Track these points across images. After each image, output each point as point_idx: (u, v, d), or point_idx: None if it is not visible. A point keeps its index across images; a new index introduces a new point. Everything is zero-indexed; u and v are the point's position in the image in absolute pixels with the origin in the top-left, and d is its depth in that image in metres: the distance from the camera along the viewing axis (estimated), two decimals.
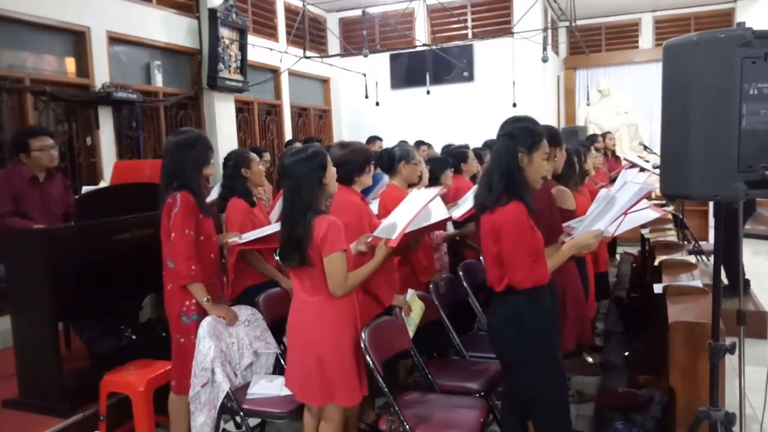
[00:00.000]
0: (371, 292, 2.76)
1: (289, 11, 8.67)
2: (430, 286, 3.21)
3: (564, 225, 2.75)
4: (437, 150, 5.91)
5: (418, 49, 9.10)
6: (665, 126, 1.94)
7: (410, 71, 9.51)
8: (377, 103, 8.66)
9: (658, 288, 3.17)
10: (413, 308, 2.92)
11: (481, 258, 3.29)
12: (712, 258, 3.22)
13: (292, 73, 8.55)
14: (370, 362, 2.38)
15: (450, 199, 3.82)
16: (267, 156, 5.88)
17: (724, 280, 4.46)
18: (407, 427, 2.37)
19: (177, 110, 6.62)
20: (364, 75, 8.81)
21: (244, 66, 7.13)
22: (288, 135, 8.56)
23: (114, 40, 5.70)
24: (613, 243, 6.52)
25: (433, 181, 3.74)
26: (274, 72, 8.21)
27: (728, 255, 4.16)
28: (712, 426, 2.01)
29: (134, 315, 3.72)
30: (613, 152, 7.48)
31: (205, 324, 2.70)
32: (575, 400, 3.48)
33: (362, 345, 2.39)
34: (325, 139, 9.41)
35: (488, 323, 2.50)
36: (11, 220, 3.46)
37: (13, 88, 4.76)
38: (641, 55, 10.59)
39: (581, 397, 3.58)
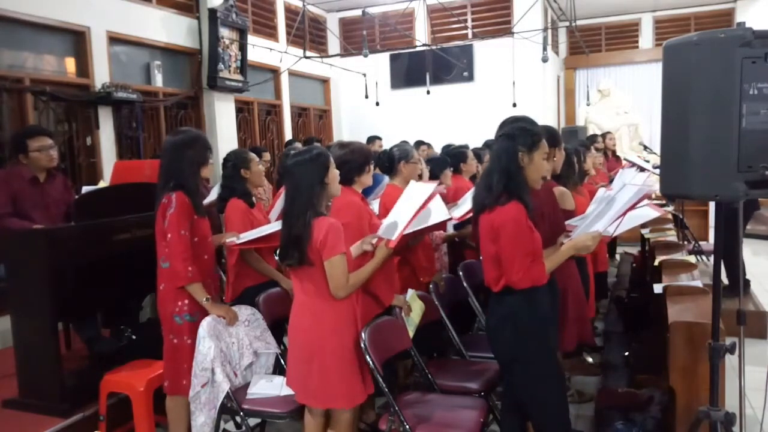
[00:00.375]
0: (371, 292, 2.76)
1: (289, 11, 8.67)
2: (430, 286, 3.21)
3: (570, 224, 2.76)
4: (437, 150, 5.91)
5: (418, 49, 9.09)
6: (665, 126, 1.94)
7: (410, 71, 9.50)
8: (377, 103, 8.66)
9: (658, 288, 3.18)
10: (413, 308, 2.92)
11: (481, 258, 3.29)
12: (712, 258, 3.22)
13: (292, 73, 8.55)
14: (370, 362, 2.38)
15: (449, 199, 3.82)
16: (267, 156, 5.88)
17: (724, 280, 4.47)
18: (407, 427, 2.37)
19: (177, 110, 6.62)
20: (364, 75, 8.81)
21: (244, 66, 7.13)
22: (288, 135, 8.56)
23: (114, 40, 5.69)
24: (613, 243, 6.52)
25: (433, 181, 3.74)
26: (274, 72, 8.21)
27: (728, 255, 4.17)
28: (712, 426, 2.01)
29: (134, 315, 3.73)
30: (614, 152, 7.48)
31: (205, 324, 2.70)
32: (575, 400, 3.48)
33: (362, 345, 2.39)
34: (325, 139, 9.40)
35: (486, 323, 2.50)
36: (10, 221, 3.46)
37: (13, 88, 4.76)
38: (641, 55, 10.59)
39: (581, 397, 3.58)
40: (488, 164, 2.39)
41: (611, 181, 5.12)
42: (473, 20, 9.27)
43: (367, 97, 8.58)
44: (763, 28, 1.75)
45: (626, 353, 3.96)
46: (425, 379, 2.83)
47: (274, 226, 2.94)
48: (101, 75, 5.46)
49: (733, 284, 4.67)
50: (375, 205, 3.38)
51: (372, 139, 6.94)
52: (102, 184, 4.62)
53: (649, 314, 4.12)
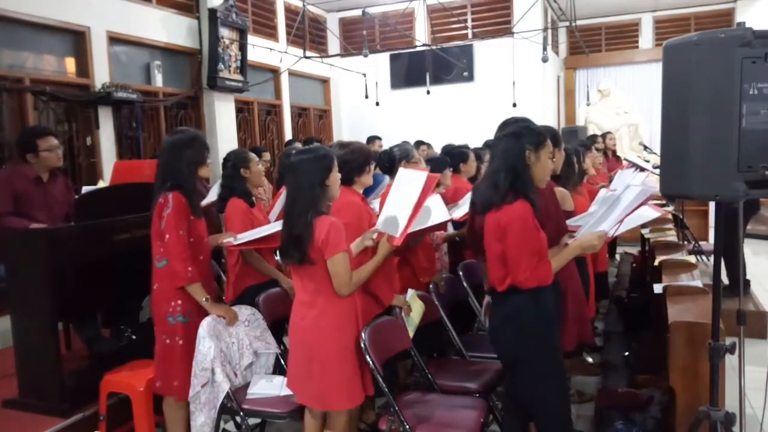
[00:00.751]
0: (371, 292, 2.76)
1: (289, 11, 8.67)
2: (430, 286, 3.21)
3: (570, 224, 2.76)
4: (437, 150, 5.90)
5: (418, 49, 9.10)
6: (665, 126, 1.94)
7: (410, 71, 9.51)
8: (377, 103, 8.66)
9: (658, 288, 3.18)
10: (413, 308, 2.92)
11: (479, 258, 3.29)
12: (712, 258, 3.22)
13: (292, 73, 8.55)
14: (370, 362, 2.38)
15: (448, 199, 3.82)
16: (267, 156, 5.88)
17: (725, 280, 4.47)
18: (407, 427, 2.37)
19: (177, 110, 6.62)
20: (364, 75, 8.81)
21: (244, 66, 7.13)
22: (288, 135, 8.56)
23: (114, 40, 5.70)
24: (613, 243, 6.52)
25: None
26: (274, 72, 8.21)
27: (728, 255, 4.17)
28: (712, 426, 2.01)
29: (134, 315, 3.73)
30: (614, 152, 7.48)
31: (205, 324, 2.70)
32: (575, 400, 3.48)
33: (362, 345, 2.39)
34: (325, 139, 9.40)
35: (489, 323, 2.49)
36: (9, 219, 3.46)
37: (13, 88, 4.76)
38: (641, 55, 10.59)
39: (581, 397, 3.58)
40: (493, 163, 2.36)
41: (611, 181, 5.12)
42: (473, 20, 9.28)
43: (367, 97, 8.58)
44: (763, 28, 1.75)
45: (626, 353, 3.95)
46: (425, 379, 2.83)
47: (273, 227, 2.93)
48: (101, 75, 5.46)
49: (733, 284, 4.67)
50: (375, 205, 3.38)
51: (372, 139, 6.93)
52: (101, 184, 4.62)
53: (649, 314, 4.12)
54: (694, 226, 6.83)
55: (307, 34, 8.48)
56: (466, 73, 9.23)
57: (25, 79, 4.88)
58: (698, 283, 3.06)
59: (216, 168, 4.86)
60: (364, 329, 2.44)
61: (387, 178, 3.59)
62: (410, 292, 2.98)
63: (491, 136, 2.68)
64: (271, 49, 7.74)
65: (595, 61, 10.73)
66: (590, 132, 9.21)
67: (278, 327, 3.08)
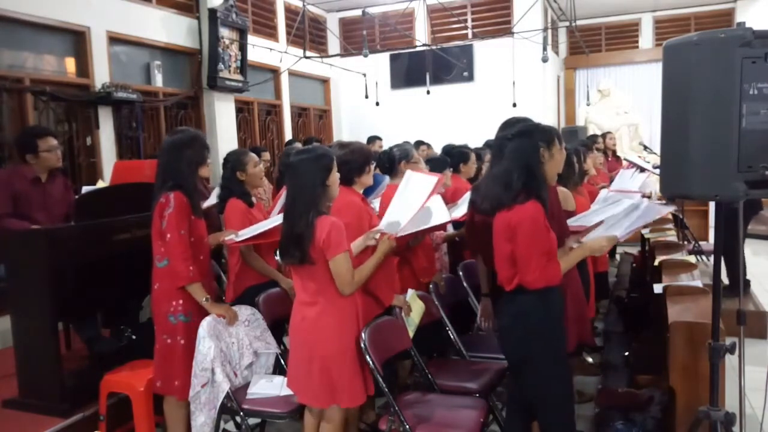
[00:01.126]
0: (371, 292, 2.76)
1: (289, 11, 8.67)
2: (430, 286, 3.21)
3: (571, 224, 2.76)
4: (437, 150, 5.90)
5: (418, 49, 9.09)
6: (665, 126, 1.94)
7: (410, 71, 9.50)
8: (377, 103, 8.66)
9: (658, 288, 3.18)
10: (413, 308, 2.92)
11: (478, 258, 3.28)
12: (712, 258, 3.22)
13: (292, 73, 8.55)
14: (370, 362, 2.38)
15: (448, 199, 3.82)
16: (267, 156, 5.87)
17: (725, 280, 4.47)
18: (407, 427, 2.37)
19: (177, 110, 6.62)
20: (364, 75, 8.81)
21: (244, 66, 7.13)
22: (288, 135, 8.56)
23: (114, 40, 5.70)
24: None
25: None
26: (274, 72, 8.20)
27: (728, 255, 4.17)
28: (712, 426, 2.01)
29: (134, 315, 3.73)
30: (614, 152, 7.48)
31: (205, 324, 2.70)
32: (575, 400, 3.48)
33: (362, 345, 2.39)
34: (325, 139, 9.40)
35: (497, 323, 2.49)
36: (8, 221, 3.45)
37: (13, 88, 4.76)
38: (641, 55, 10.59)
39: (581, 397, 3.58)
40: (502, 163, 2.32)
41: (612, 181, 5.12)
42: (473, 20, 9.28)
43: (367, 97, 8.58)
44: (763, 28, 1.75)
45: (626, 353, 3.95)
46: (425, 379, 2.83)
47: (274, 221, 2.93)
48: (101, 75, 5.46)
49: (733, 284, 4.67)
50: (375, 205, 3.38)
51: (372, 140, 6.93)
52: (101, 184, 4.62)
53: (649, 314, 4.12)
54: (694, 226, 6.83)
55: (307, 34, 8.48)
56: (466, 73, 9.23)
57: (25, 79, 4.87)
58: (698, 283, 3.06)
59: (216, 168, 4.86)
60: (364, 329, 2.44)
61: (387, 178, 3.59)
62: (410, 292, 2.98)
63: (491, 136, 2.68)
64: (271, 49, 7.74)
65: (595, 61, 10.73)
66: (590, 132, 9.21)
67: (278, 327, 3.08)
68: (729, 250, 3.96)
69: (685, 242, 5.16)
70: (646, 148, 7.57)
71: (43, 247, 2.97)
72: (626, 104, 10.37)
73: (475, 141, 5.88)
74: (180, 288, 2.72)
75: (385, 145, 6.08)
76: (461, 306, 3.42)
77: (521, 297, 2.25)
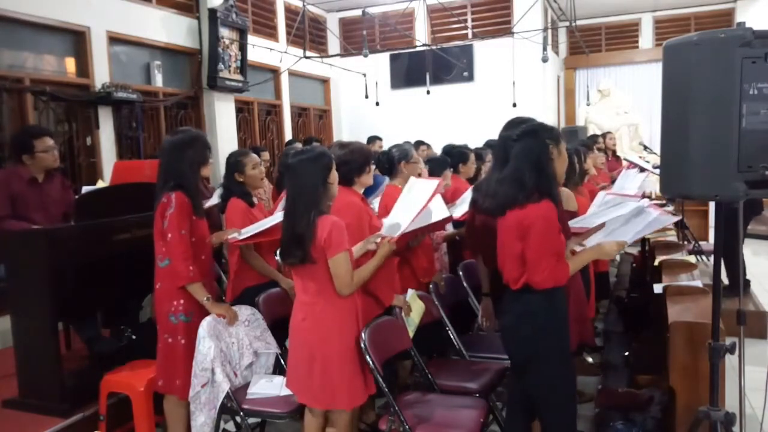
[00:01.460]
0: (371, 292, 2.76)
1: (289, 11, 8.67)
2: (430, 286, 3.21)
3: (573, 225, 2.75)
4: (436, 150, 5.90)
5: (418, 49, 9.09)
6: (665, 126, 1.94)
7: (410, 71, 9.50)
8: (377, 103, 8.66)
9: (658, 288, 3.18)
10: (413, 308, 2.92)
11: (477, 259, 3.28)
12: (712, 258, 3.23)
13: (292, 73, 8.54)
14: (370, 362, 2.38)
15: (448, 199, 3.82)
16: (266, 155, 5.88)
17: (725, 280, 4.47)
18: (407, 427, 2.37)
19: (177, 110, 6.62)
20: (364, 75, 8.80)
21: (244, 66, 7.12)
22: (288, 135, 8.56)
23: (114, 40, 5.69)
24: None
25: None
26: (274, 72, 8.20)
27: (728, 255, 4.17)
28: (712, 426, 2.01)
29: (134, 315, 3.73)
30: (614, 152, 7.48)
31: (205, 324, 2.70)
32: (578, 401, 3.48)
33: (362, 345, 2.39)
34: (325, 139, 9.40)
35: (501, 322, 2.49)
36: (9, 223, 3.45)
37: (13, 88, 4.76)
38: (641, 55, 10.59)
39: (581, 397, 3.57)
40: (512, 163, 2.29)
41: (613, 181, 5.12)
42: (473, 20, 9.27)
43: (367, 97, 8.58)
44: (763, 28, 1.75)
45: (626, 353, 3.95)
46: (425, 379, 2.83)
47: (276, 218, 2.93)
48: (101, 75, 5.45)
49: (733, 284, 4.67)
50: (375, 206, 3.38)
51: (372, 140, 6.93)
52: (100, 184, 4.61)
53: (649, 314, 4.12)
54: (694, 226, 6.83)
55: (307, 34, 8.48)
56: (466, 73, 9.22)
57: (25, 79, 4.87)
58: (698, 283, 3.06)
59: (215, 168, 4.87)
60: (364, 329, 2.44)
61: (387, 178, 3.58)
62: (410, 292, 2.98)
63: (491, 136, 2.68)
64: (271, 49, 7.74)
65: (595, 61, 10.73)
66: (590, 132, 9.21)
67: (278, 327, 3.07)
68: (729, 250, 3.96)
69: (685, 242, 5.16)
70: (646, 148, 7.57)
71: (43, 247, 2.97)
72: (626, 104, 10.37)
73: (475, 141, 5.88)
74: (181, 288, 2.72)
75: (385, 145, 6.09)
76: (461, 306, 3.42)
77: (527, 296, 2.24)
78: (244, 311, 2.94)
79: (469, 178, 4.41)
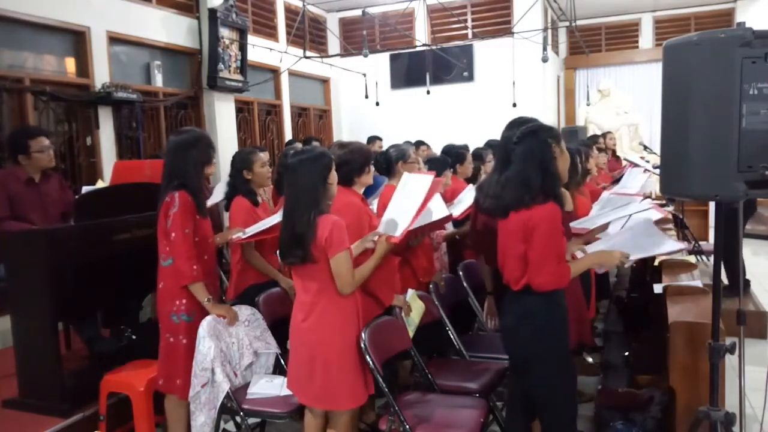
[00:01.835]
0: (371, 292, 2.76)
1: (289, 11, 8.67)
2: (430, 286, 3.21)
3: (574, 227, 2.75)
4: (436, 151, 5.90)
5: (418, 49, 9.09)
6: (665, 126, 1.94)
7: (410, 71, 9.50)
8: (377, 103, 8.66)
9: (658, 288, 3.17)
10: (413, 308, 2.92)
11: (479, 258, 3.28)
12: (712, 258, 3.23)
13: (292, 73, 8.54)
14: (370, 362, 2.38)
15: (447, 199, 3.81)
16: (266, 155, 5.86)
17: (724, 280, 4.47)
18: (407, 427, 2.37)
19: (177, 110, 6.62)
20: (364, 75, 8.80)
21: (244, 66, 7.13)
22: (288, 135, 8.56)
23: (114, 40, 5.70)
24: None
25: None
26: (274, 72, 8.20)
27: (728, 255, 4.16)
28: (712, 426, 2.01)
29: (134, 315, 3.73)
30: (614, 152, 7.49)
31: (205, 324, 2.70)
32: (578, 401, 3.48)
33: (362, 345, 2.39)
34: (325, 139, 9.40)
35: (501, 323, 2.49)
36: (8, 224, 3.45)
37: (13, 88, 4.76)
38: (641, 55, 10.59)
39: (581, 397, 3.57)
40: (516, 164, 2.27)
41: (615, 181, 5.12)
42: (473, 20, 9.27)
43: (367, 97, 8.58)
44: (763, 28, 1.74)
45: (626, 353, 3.95)
46: (425, 379, 2.83)
47: (279, 217, 2.94)
48: (101, 75, 5.46)
49: (733, 284, 4.67)
50: (374, 206, 3.38)
51: (372, 140, 6.93)
52: (100, 184, 4.61)
53: (649, 314, 4.12)
54: (694, 226, 6.81)
55: (307, 34, 8.48)
56: (466, 73, 9.22)
57: (25, 79, 4.87)
58: (698, 283, 3.06)
59: (216, 168, 4.85)
60: (365, 329, 2.44)
61: (386, 179, 3.58)
62: (410, 292, 2.98)
63: (491, 136, 2.68)
64: (271, 49, 7.74)
65: (595, 61, 10.73)
66: (590, 132, 9.22)
67: (278, 327, 3.07)
68: (729, 250, 3.96)
69: (685, 242, 5.16)
70: (646, 148, 7.57)
71: (43, 247, 2.97)
72: (626, 104, 10.37)
73: (475, 141, 5.88)
74: (183, 287, 2.72)
75: (385, 145, 6.08)
76: (461, 306, 3.42)
77: (528, 297, 2.24)
78: (244, 311, 2.94)
79: (467, 178, 4.41)
